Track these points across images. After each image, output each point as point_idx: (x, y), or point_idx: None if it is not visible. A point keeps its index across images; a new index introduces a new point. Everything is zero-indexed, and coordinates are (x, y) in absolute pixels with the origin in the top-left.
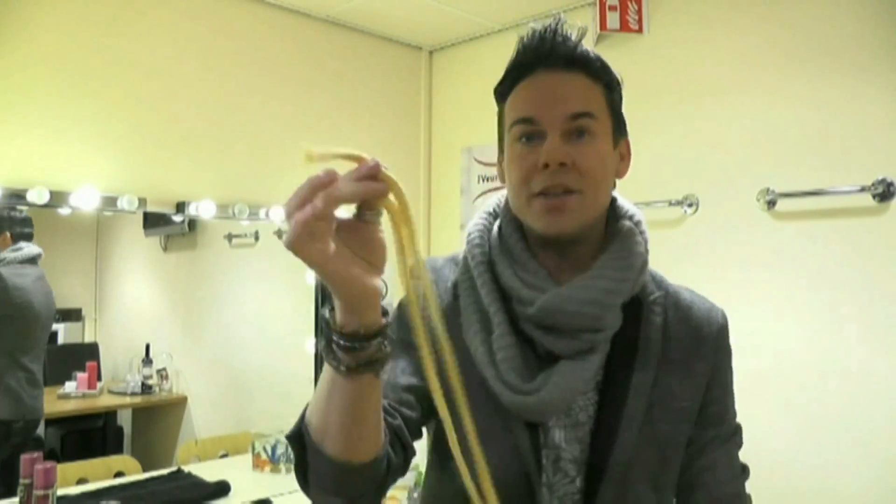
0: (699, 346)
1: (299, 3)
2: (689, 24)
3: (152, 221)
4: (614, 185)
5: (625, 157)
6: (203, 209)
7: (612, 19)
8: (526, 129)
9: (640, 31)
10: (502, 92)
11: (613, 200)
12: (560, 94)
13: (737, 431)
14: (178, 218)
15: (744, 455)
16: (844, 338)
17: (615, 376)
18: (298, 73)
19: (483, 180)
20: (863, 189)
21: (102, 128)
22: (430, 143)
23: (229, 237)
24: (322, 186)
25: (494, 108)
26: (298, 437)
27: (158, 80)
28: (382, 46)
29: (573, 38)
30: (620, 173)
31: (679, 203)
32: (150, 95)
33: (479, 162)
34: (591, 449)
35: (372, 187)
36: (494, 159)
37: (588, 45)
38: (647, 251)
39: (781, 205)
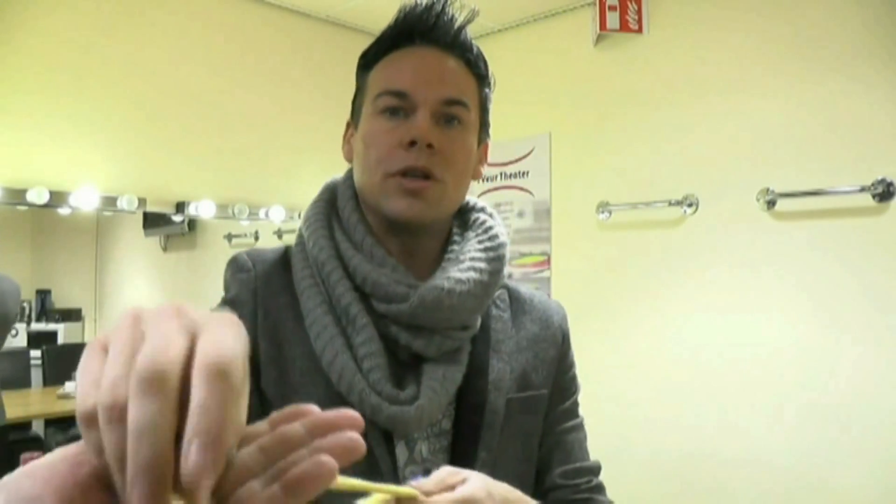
0: (546, 334)
1: (299, 3)
2: (689, 24)
3: (152, 221)
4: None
5: (482, 160)
6: (203, 209)
7: (612, 19)
8: (393, 103)
9: (639, 31)
10: (369, 60)
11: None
12: (439, 74)
13: (582, 419)
14: (177, 218)
15: (743, 455)
16: (843, 337)
17: (472, 375)
18: (298, 73)
19: (483, 180)
20: (862, 189)
21: (102, 128)
22: None
23: (229, 237)
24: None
25: (494, 107)
26: None
27: (159, 80)
28: None
29: (459, 19)
30: (477, 174)
31: (679, 203)
32: (151, 96)
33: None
34: (452, 456)
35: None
36: (495, 159)
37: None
38: (508, 241)
39: (781, 205)
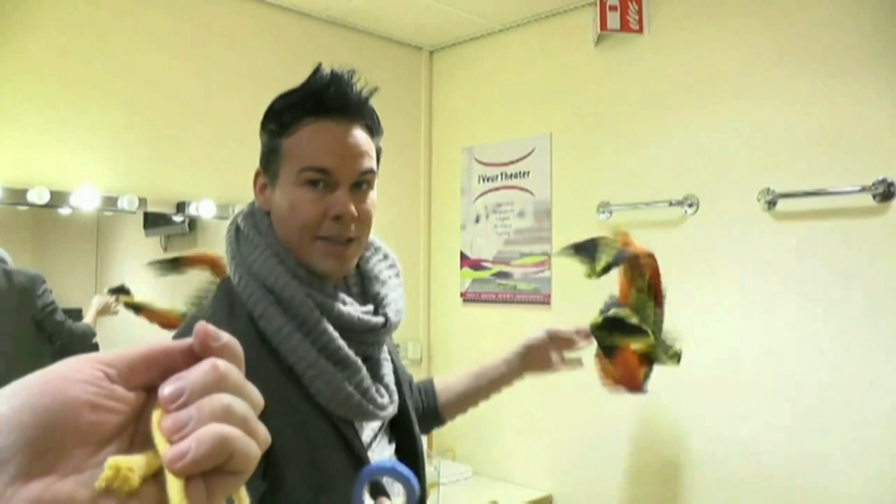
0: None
1: (299, 3)
2: (690, 24)
3: (152, 221)
4: None
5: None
6: (203, 209)
7: (613, 19)
8: (319, 178)
9: (640, 31)
10: (285, 124)
11: None
12: (355, 151)
13: None
14: (178, 218)
15: (742, 455)
16: (844, 337)
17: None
18: (298, 73)
19: (483, 180)
20: (863, 189)
21: (102, 128)
22: (431, 144)
23: None
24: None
25: (495, 108)
26: None
27: (159, 80)
28: (382, 46)
29: (362, 89)
30: None
31: (679, 203)
32: (151, 96)
33: (480, 162)
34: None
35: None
36: (496, 159)
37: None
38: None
39: (781, 205)
